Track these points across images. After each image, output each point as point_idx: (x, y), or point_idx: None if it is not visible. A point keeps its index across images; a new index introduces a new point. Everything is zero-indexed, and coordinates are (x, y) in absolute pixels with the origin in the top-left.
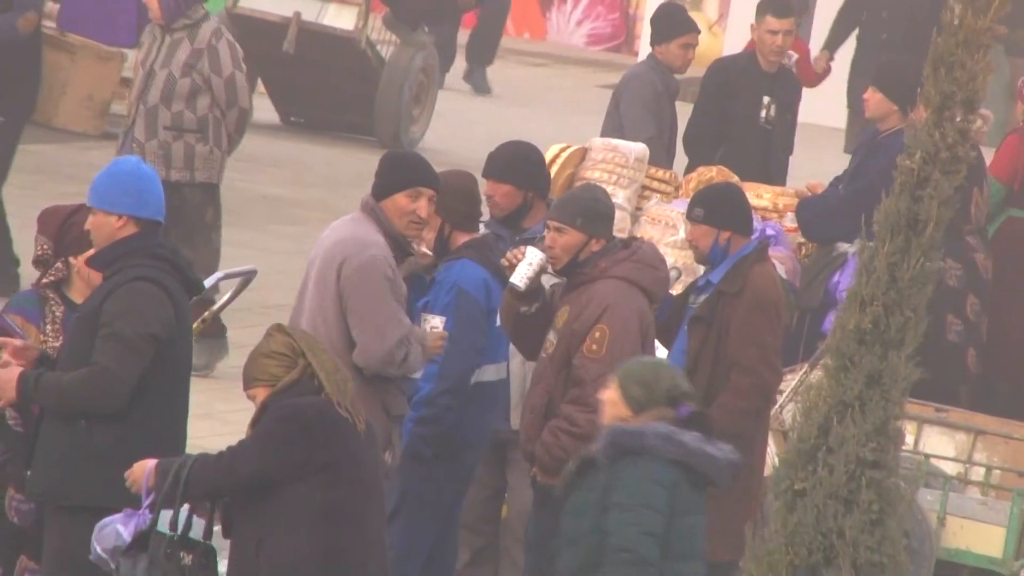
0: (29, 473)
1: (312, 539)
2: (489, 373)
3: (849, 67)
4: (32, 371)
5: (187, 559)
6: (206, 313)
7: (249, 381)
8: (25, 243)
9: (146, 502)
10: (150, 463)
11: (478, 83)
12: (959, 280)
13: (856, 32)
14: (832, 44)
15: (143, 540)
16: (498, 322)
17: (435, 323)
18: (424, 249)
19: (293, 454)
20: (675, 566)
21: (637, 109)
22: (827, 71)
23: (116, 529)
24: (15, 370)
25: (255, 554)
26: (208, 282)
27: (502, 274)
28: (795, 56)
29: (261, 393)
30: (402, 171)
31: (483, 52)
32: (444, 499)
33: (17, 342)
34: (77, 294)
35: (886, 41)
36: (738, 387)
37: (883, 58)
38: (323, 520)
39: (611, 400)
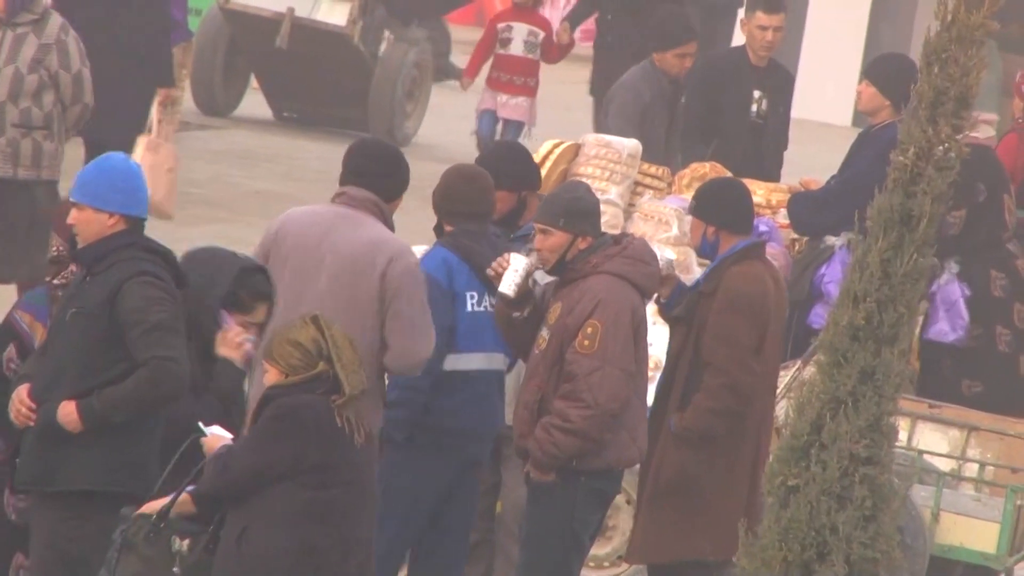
0: (17, 461)
1: (290, 534)
2: (475, 362)
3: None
4: (88, 398)
5: (180, 544)
6: None
7: (267, 356)
8: None
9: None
10: (225, 439)
11: None
12: (1004, 290)
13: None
14: (575, 18)
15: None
16: (469, 307)
17: None
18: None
19: (284, 453)
20: None
21: (619, 122)
22: (571, 44)
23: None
24: (69, 404)
25: (236, 543)
26: None
27: (472, 258)
28: (541, 34)
29: (273, 375)
30: (408, 172)
31: None
32: (427, 489)
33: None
34: None
35: (611, 21)
36: (708, 387)
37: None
38: (304, 518)
39: None
